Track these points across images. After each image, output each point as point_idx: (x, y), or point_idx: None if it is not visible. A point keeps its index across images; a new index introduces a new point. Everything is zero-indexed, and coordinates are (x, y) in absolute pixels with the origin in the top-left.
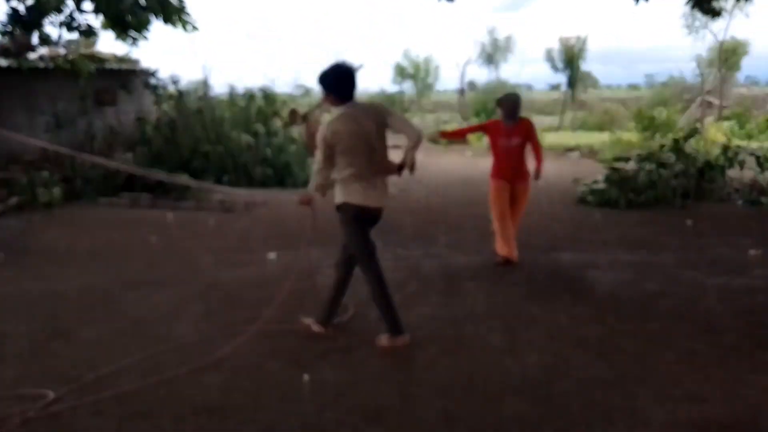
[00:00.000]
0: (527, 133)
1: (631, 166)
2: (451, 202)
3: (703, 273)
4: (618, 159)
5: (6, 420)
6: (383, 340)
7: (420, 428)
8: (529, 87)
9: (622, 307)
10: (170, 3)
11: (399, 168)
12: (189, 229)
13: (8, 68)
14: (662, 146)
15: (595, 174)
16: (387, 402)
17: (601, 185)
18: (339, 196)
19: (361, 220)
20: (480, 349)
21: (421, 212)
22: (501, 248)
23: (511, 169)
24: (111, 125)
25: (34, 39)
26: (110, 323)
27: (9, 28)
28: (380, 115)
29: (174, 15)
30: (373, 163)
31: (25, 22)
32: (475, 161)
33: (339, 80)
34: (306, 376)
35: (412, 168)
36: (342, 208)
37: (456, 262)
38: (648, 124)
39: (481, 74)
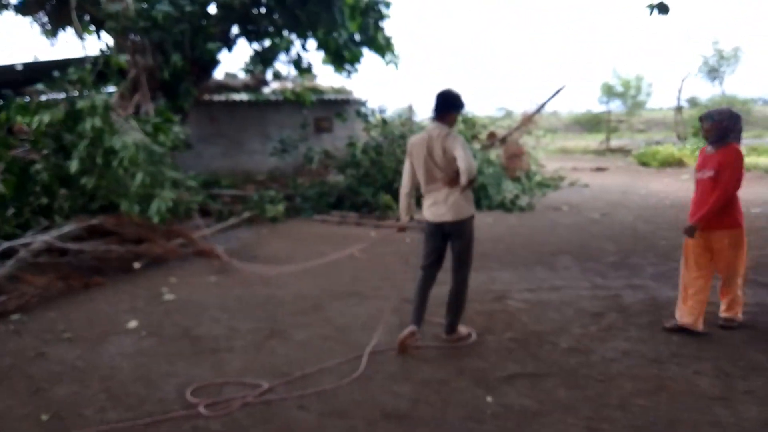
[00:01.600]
0: (720, 164)
1: None
2: (660, 228)
3: None
4: None
5: (231, 402)
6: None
7: None
8: (765, 101)
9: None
10: (378, 38)
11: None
12: (390, 246)
13: (248, 101)
14: None
15: None
16: None
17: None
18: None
19: (427, 233)
20: (685, 393)
21: (625, 239)
22: (680, 313)
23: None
24: (326, 149)
25: (268, 75)
26: (318, 328)
27: (251, 67)
28: (448, 141)
29: (383, 48)
30: (434, 181)
31: (263, 60)
32: (690, 185)
33: (438, 101)
34: (490, 398)
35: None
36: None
37: (662, 295)
38: None
39: (704, 89)
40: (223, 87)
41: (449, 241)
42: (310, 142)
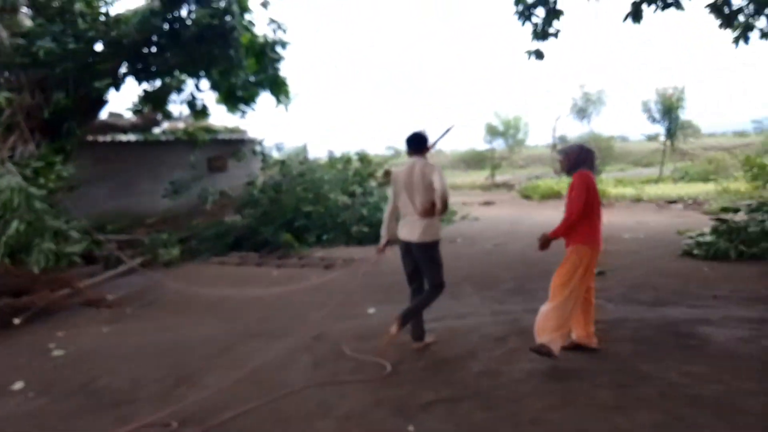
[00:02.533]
0: (570, 188)
1: (740, 216)
2: (548, 255)
3: None
4: (726, 209)
5: None
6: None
7: None
8: (624, 138)
9: (740, 364)
10: (276, 79)
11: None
12: (294, 284)
13: (137, 141)
14: None
15: (701, 226)
16: None
17: (709, 237)
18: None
19: (402, 251)
20: (587, 406)
21: (518, 267)
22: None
23: None
24: (222, 189)
25: (159, 115)
26: (230, 371)
27: (140, 107)
28: (427, 169)
29: (278, 89)
30: (412, 205)
31: (153, 101)
32: None
33: (408, 141)
34: (411, 427)
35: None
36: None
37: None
38: (759, 173)
39: (573, 128)
40: (110, 127)
41: (417, 261)
42: (204, 183)
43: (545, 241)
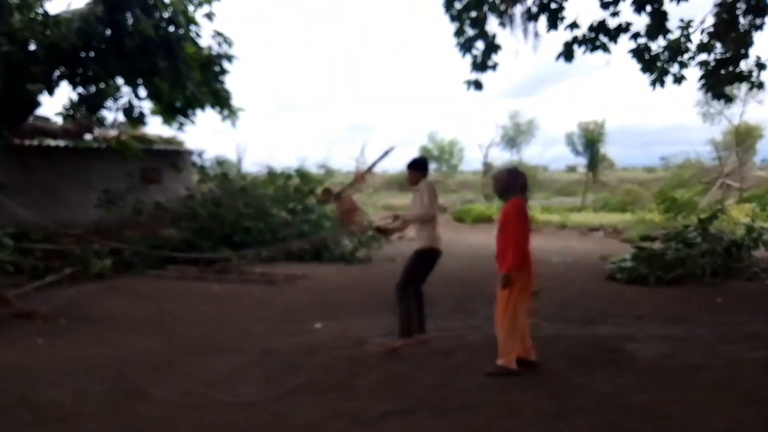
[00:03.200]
0: (503, 215)
1: (656, 245)
2: (482, 276)
3: (741, 347)
4: (645, 238)
5: None
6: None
7: None
8: (545, 168)
9: (663, 377)
10: (221, 93)
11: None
12: (236, 299)
13: (66, 148)
14: (686, 226)
15: (622, 252)
16: None
17: (629, 263)
18: None
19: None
20: (531, 414)
21: (456, 286)
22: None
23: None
24: (158, 201)
25: (93, 121)
26: (178, 384)
27: (71, 112)
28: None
29: (223, 104)
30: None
31: (89, 105)
32: None
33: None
34: None
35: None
36: None
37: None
38: (670, 205)
39: (502, 156)
40: (40, 131)
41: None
42: (138, 194)
43: (506, 281)
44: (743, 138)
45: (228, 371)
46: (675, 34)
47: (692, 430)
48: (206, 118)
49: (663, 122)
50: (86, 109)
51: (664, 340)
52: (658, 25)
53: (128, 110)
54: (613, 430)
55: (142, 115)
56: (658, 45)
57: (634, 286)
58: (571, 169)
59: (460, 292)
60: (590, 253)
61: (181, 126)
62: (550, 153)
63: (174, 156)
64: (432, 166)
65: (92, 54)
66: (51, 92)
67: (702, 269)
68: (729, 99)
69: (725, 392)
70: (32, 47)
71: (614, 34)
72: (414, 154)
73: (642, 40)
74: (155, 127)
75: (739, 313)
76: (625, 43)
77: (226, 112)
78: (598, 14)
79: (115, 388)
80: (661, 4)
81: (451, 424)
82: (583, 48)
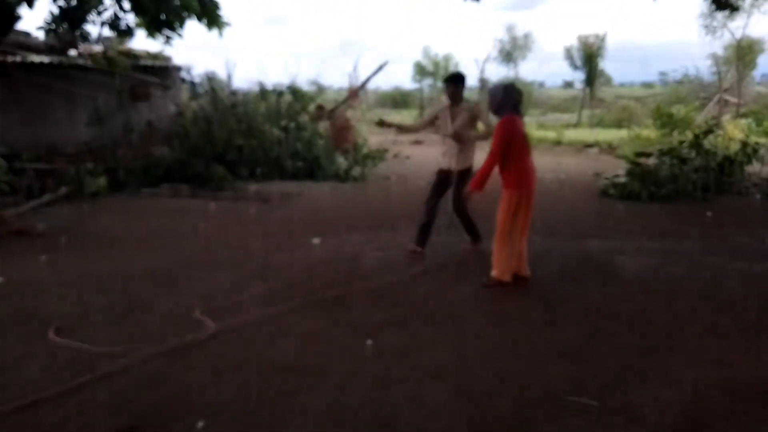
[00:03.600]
0: (495, 133)
1: (651, 161)
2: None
3: (725, 259)
4: (640, 154)
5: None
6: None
7: (477, 383)
8: (542, 84)
9: (649, 287)
10: (208, 4)
11: None
12: (232, 217)
13: (51, 64)
14: (681, 142)
15: (615, 169)
16: (445, 362)
17: (623, 179)
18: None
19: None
20: (523, 321)
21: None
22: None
23: None
24: (149, 120)
25: (77, 35)
26: (180, 297)
27: (53, 26)
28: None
29: (211, 16)
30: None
31: (71, 19)
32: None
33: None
34: (369, 341)
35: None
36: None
37: (490, 247)
38: (666, 121)
39: (499, 72)
40: (23, 47)
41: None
42: (129, 112)
43: (468, 194)
44: (744, 52)
45: (229, 286)
46: None
47: (674, 335)
48: (193, 33)
49: (663, 38)
50: (68, 24)
51: (652, 253)
52: None
53: (114, 23)
54: (600, 336)
55: (129, 28)
56: None
57: (626, 201)
58: (568, 85)
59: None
60: (584, 169)
61: (167, 40)
62: (547, 69)
63: (162, 72)
64: (426, 82)
65: None
66: (30, 4)
67: (694, 185)
68: (734, 8)
69: (707, 300)
70: None
71: None
72: (407, 69)
73: None
74: (142, 42)
75: (727, 226)
76: None
77: (212, 24)
78: None
79: (120, 302)
80: None
81: (444, 332)
82: None
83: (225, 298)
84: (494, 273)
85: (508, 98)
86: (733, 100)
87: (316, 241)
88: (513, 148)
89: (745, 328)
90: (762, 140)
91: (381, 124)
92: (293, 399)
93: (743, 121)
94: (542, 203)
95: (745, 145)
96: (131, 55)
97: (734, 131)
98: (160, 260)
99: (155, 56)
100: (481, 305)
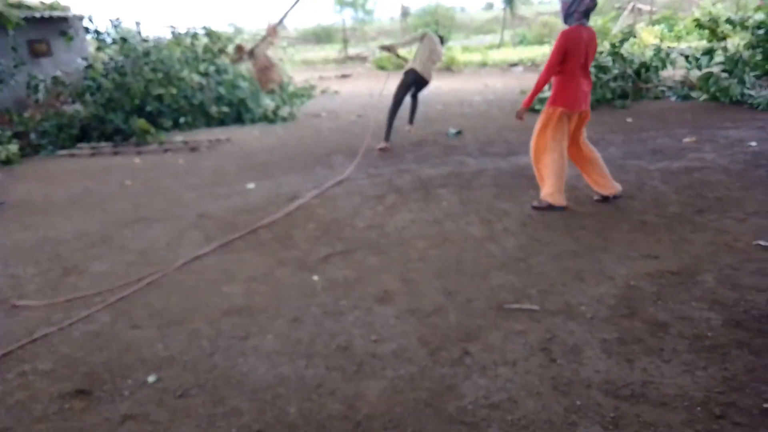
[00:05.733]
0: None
1: None
2: (404, 121)
3: (646, 161)
4: None
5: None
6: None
7: (424, 302)
8: (463, 9)
9: (579, 194)
10: None
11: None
12: (161, 170)
13: None
14: (600, 52)
15: None
16: (392, 287)
17: (547, 93)
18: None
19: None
20: (463, 240)
21: (381, 134)
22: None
23: None
24: (55, 76)
25: None
26: (116, 256)
27: None
28: None
29: None
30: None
31: None
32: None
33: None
34: (315, 277)
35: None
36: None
37: (424, 173)
38: None
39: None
40: None
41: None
42: (29, 70)
43: (520, 113)
44: None
45: (167, 239)
46: None
47: (606, 236)
48: None
49: None
50: None
51: None
52: None
53: None
54: (537, 245)
55: None
56: None
57: None
58: (489, 6)
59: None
60: (510, 89)
61: None
62: None
63: (62, 23)
64: (348, 14)
65: None
66: None
67: (613, 92)
68: None
69: (633, 201)
70: None
71: None
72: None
73: None
74: None
75: (647, 130)
76: None
77: None
78: None
79: (53, 269)
80: None
81: (389, 257)
82: None
83: (163, 251)
84: (543, 195)
85: (578, 4)
86: (646, 8)
87: (251, 185)
88: (568, 63)
89: (668, 222)
90: (675, 44)
91: (384, 48)
92: (245, 342)
93: (656, 28)
94: (473, 125)
95: (658, 50)
96: (23, 6)
97: (648, 38)
98: (89, 222)
99: (51, 6)
100: (422, 229)
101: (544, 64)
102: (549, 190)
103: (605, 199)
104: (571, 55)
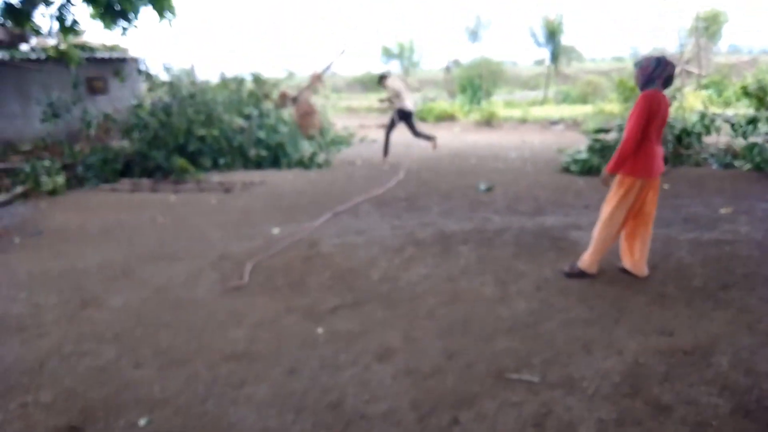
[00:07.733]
0: (632, 109)
1: (612, 135)
2: (440, 174)
3: (677, 230)
4: (599, 130)
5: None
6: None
7: (424, 362)
8: (514, 63)
9: (601, 260)
10: None
11: None
12: (193, 208)
13: (1, 60)
14: None
15: (579, 144)
16: (394, 344)
17: (584, 155)
18: None
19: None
20: (474, 300)
21: (412, 185)
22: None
23: None
24: (107, 112)
25: (26, 30)
26: (134, 292)
27: (1, 21)
28: None
29: (160, 3)
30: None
31: (17, 14)
32: (463, 136)
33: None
34: (320, 329)
35: None
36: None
37: (448, 228)
38: (629, 95)
39: (466, 52)
40: None
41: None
42: (84, 105)
43: (606, 179)
44: (708, 23)
45: (184, 277)
46: None
47: (621, 306)
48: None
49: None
50: (12, 21)
51: None
52: None
53: (60, 18)
54: (548, 310)
55: (75, 23)
56: None
57: (586, 177)
58: (538, 63)
59: (415, 192)
60: (548, 146)
61: (123, 30)
62: (514, 47)
63: (119, 64)
64: (392, 62)
65: None
66: None
67: None
68: None
69: (656, 271)
70: None
71: None
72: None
73: None
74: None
75: (683, 197)
76: None
77: (165, 12)
78: None
79: (73, 299)
80: None
81: (397, 313)
82: None
83: (178, 289)
84: (581, 260)
85: (661, 71)
86: (695, 71)
87: (276, 230)
88: (650, 128)
89: (689, 296)
90: (721, 110)
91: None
92: (239, 390)
93: (704, 92)
94: (505, 180)
95: (703, 116)
96: (86, 47)
97: (694, 102)
98: (115, 254)
99: (111, 48)
100: (435, 286)
101: (625, 131)
102: (589, 259)
103: (627, 271)
104: (652, 120)
